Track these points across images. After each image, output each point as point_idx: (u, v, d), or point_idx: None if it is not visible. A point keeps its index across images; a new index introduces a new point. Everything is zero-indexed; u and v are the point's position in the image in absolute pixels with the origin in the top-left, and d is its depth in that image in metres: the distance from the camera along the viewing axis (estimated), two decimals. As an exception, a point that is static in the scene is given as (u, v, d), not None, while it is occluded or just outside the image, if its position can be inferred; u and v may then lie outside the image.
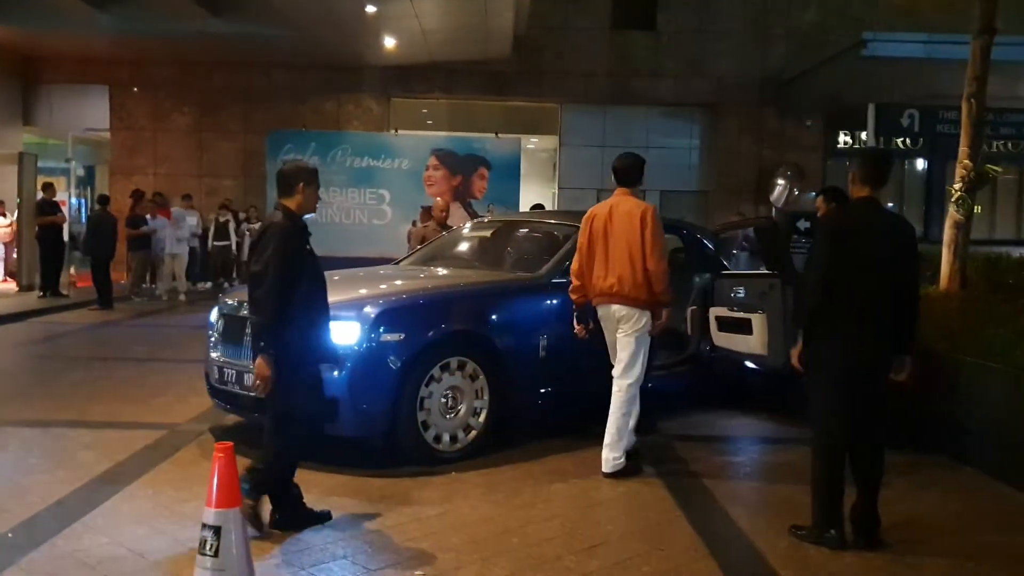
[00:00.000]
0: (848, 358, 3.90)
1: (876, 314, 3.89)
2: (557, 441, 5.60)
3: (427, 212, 10.51)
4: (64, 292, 13.58)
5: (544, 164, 20.22)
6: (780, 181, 17.87)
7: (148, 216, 14.12)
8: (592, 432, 5.26)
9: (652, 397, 5.30)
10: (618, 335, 5.00)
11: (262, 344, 3.85)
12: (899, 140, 17.55)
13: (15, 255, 15.20)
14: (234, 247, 16.28)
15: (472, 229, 7.79)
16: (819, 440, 3.99)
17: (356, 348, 4.86)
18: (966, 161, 7.00)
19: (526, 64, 18.06)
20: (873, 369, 3.93)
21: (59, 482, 4.65)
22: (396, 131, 18.37)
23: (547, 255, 6.30)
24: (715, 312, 6.42)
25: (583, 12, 18.30)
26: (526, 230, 7.36)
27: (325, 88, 18.35)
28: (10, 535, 3.92)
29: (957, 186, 7.04)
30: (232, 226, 16.18)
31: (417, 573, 3.61)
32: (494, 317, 5.51)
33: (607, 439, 4.93)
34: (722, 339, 6.38)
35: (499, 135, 17.45)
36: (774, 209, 17.53)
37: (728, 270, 7.14)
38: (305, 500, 4.10)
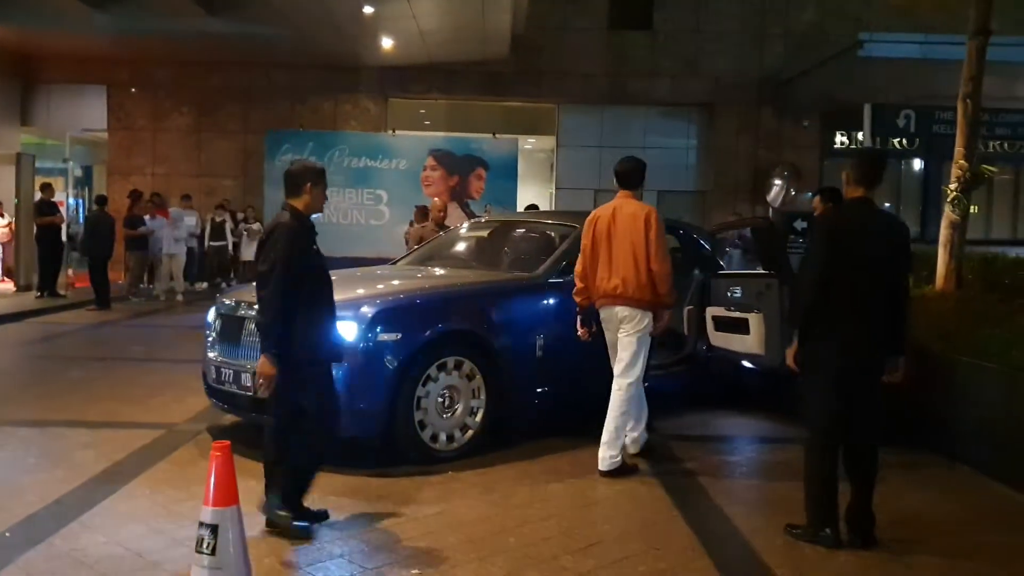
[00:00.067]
0: (843, 358, 3.92)
1: (870, 314, 3.90)
2: (554, 441, 5.61)
3: (421, 211, 10.50)
4: (62, 292, 13.57)
5: (541, 164, 20.23)
6: (777, 181, 17.89)
7: (147, 216, 14.11)
8: (589, 432, 5.27)
9: (649, 397, 5.32)
10: (620, 335, 5.04)
11: (264, 344, 3.86)
12: (895, 140, 17.62)
13: (13, 255, 15.18)
14: (231, 247, 16.29)
15: (469, 229, 7.81)
16: (813, 439, 4.01)
17: (353, 348, 4.87)
18: (962, 161, 7.03)
19: (523, 64, 18.07)
20: (867, 368, 3.94)
21: (57, 481, 4.66)
22: (394, 131, 18.38)
23: (544, 255, 6.32)
24: (712, 312, 6.44)
25: (580, 12, 18.32)
26: (523, 230, 7.37)
27: (323, 88, 18.35)
28: (8, 534, 3.92)
29: (953, 186, 7.07)
30: (229, 226, 16.18)
31: (414, 572, 3.62)
32: (491, 317, 5.52)
33: (604, 437, 4.95)
34: (719, 339, 6.40)
35: (496, 135, 17.46)
36: (771, 209, 17.55)
37: (724, 270, 7.16)
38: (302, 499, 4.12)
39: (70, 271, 14.53)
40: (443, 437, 5.19)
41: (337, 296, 4.16)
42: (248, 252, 16.14)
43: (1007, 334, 5.36)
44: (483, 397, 5.34)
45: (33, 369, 8.55)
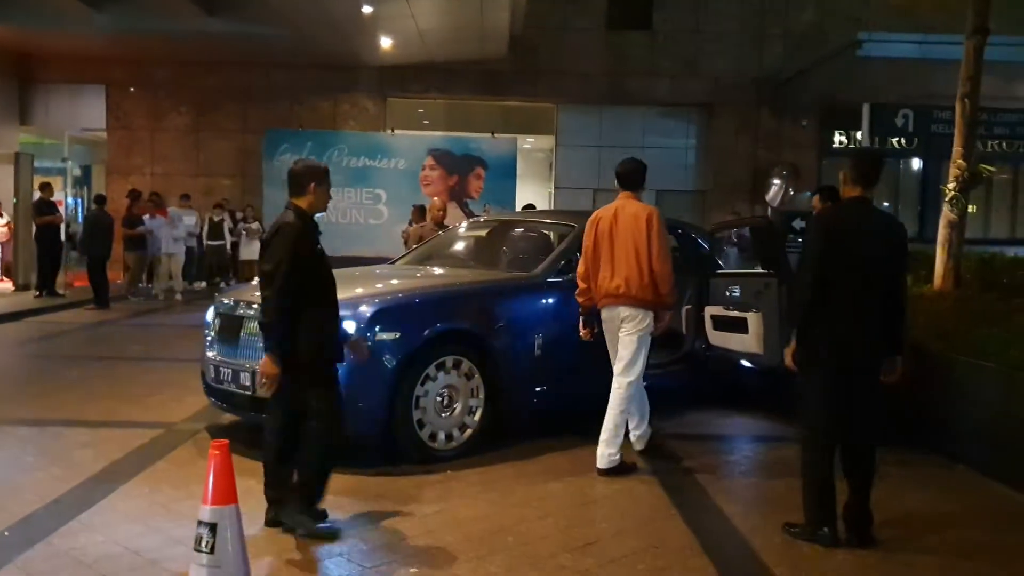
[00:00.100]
0: (840, 357, 3.93)
1: (868, 313, 3.91)
2: (552, 440, 5.62)
3: (419, 211, 10.49)
4: (60, 292, 13.57)
5: (540, 164, 20.24)
6: (776, 181, 17.90)
7: (147, 216, 14.11)
8: (587, 431, 5.28)
9: (648, 396, 5.33)
10: (620, 334, 5.07)
11: (268, 344, 3.86)
12: (894, 140, 17.63)
13: (12, 254, 15.17)
14: (229, 246, 16.29)
15: (468, 229, 7.81)
16: (811, 438, 4.02)
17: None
18: (960, 161, 7.04)
19: (522, 64, 18.07)
20: (865, 368, 3.95)
21: (55, 480, 4.66)
22: (392, 131, 18.38)
23: (543, 254, 6.32)
24: (710, 311, 6.44)
25: (579, 12, 18.31)
26: (522, 229, 7.37)
27: (322, 88, 18.35)
28: (6, 533, 3.93)
29: (951, 186, 7.08)
30: (227, 225, 16.18)
31: (413, 571, 3.63)
32: (490, 316, 5.52)
33: (603, 435, 4.97)
34: (717, 338, 6.39)
35: (495, 135, 17.46)
36: (770, 208, 17.56)
37: (723, 269, 7.15)
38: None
39: (67, 272, 14.52)
40: (442, 436, 5.19)
41: (336, 295, 4.16)
42: (247, 251, 16.15)
43: (1005, 333, 5.36)
44: (482, 396, 5.35)
45: (32, 368, 8.55)
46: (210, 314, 5.73)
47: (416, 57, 17.17)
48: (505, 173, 16.75)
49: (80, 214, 19.34)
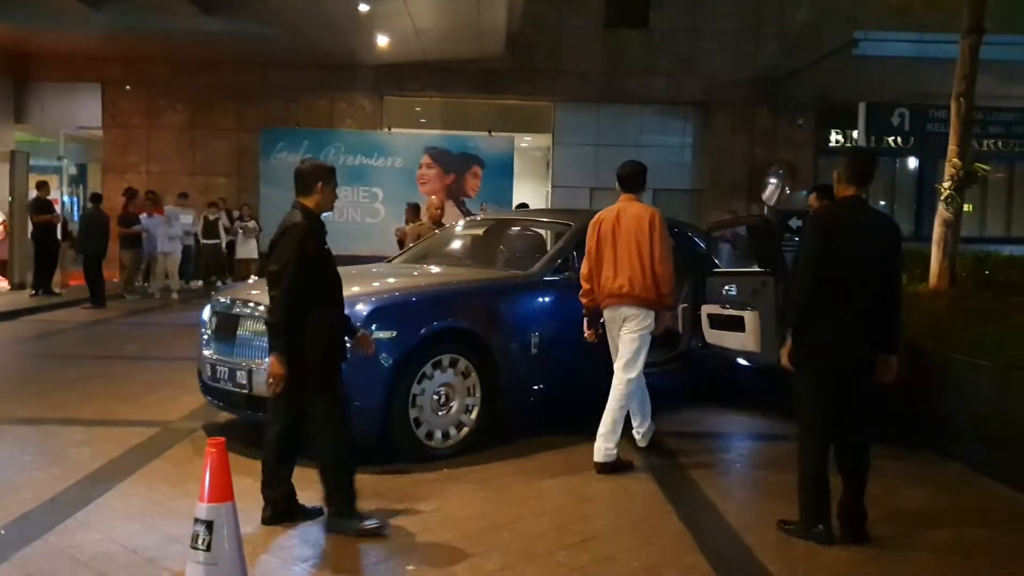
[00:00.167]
0: (835, 356, 3.94)
1: (863, 313, 3.92)
2: (549, 438, 5.63)
3: (413, 209, 10.48)
4: (56, 290, 13.55)
5: (537, 162, 20.24)
6: (772, 179, 17.93)
7: (144, 215, 14.10)
8: (584, 429, 5.30)
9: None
10: (622, 333, 5.12)
11: (275, 344, 3.86)
12: (890, 139, 17.62)
13: (8, 253, 15.14)
14: (224, 245, 16.27)
15: (465, 227, 7.81)
16: (806, 436, 4.03)
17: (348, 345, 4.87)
18: (955, 160, 7.06)
19: (519, 62, 18.07)
20: (860, 368, 3.96)
21: (52, 479, 4.66)
22: (389, 129, 18.37)
23: (539, 253, 6.34)
24: (707, 310, 6.46)
25: (576, 11, 18.31)
26: (518, 228, 7.39)
27: (318, 86, 18.33)
28: (3, 532, 3.93)
29: (946, 184, 7.09)
30: (223, 224, 16.17)
31: (410, 568, 3.64)
32: (487, 315, 5.53)
33: (602, 429, 5.00)
34: (714, 336, 6.41)
35: (492, 133, 17.47)
36: (766, 207, 17.59)
37: (719, 268, 7.17)
38: (298, 496, 4.13)
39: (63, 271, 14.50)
40: (438, 435, 5.20)
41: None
42: (243, 250, 16.16)
43: (1000, 332, 5.39)
44: (478, 395, 5.36)
45: (28, 367, 8.54)
46: (206, 313, 5.73)
47: (413, 56, 17.16)
48: (502, 172, 16.76)
49: (76, 213, 19.32)
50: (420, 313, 5.28)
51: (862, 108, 14.98)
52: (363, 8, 13.98)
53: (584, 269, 5.29)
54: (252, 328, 5.17)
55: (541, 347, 5.68)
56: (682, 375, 6.76)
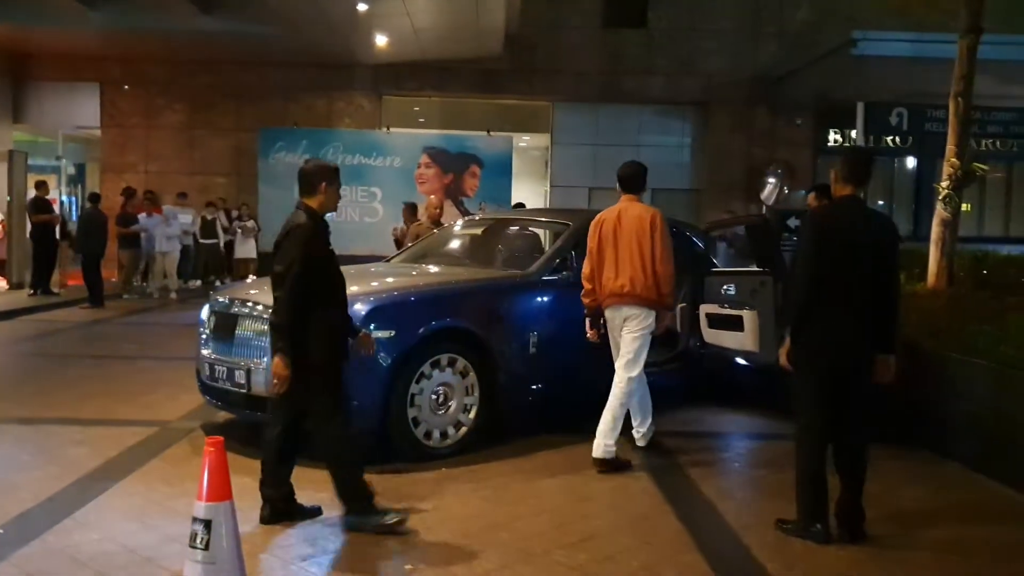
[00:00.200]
0: (833, 356, 3.94)
1: (861, 313, 3.93)
2: (547, 437, 5.64)
3: (410, 208, 10.46)
4: (55, 290, 13.54)
5: (536, 162, 20.24)
6: (771, 179, 17.93)
7: (143, 214, 14.09)
8: (582, 429, 5.30)
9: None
10: (623, 332, 5.15)
11: (279, 344, 3.85)
12: (888, 138, 17.66)
13: (6, 253, 15.12)
14: (223, 245, 16.26)
15: (463, 227, 7.81)
16: (804, 436, 4.04)
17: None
18: (953, 159, 7.06)
19: (518, 62, 18.07)
20: (858, 367, 3.96)
21: (50, 478, 4.66)
22: (388, 129, 18.37)
23: (537, 253, 6.34)
24: (705, 309, 6.46)
25: (575, 10, 18.31)
26: (517, 228, 7.39)
27: (316, 85, 18.32)
28: (1, 531, 3.93)
29: (944, 184, 7.10)
30: (220, 224, 16.17)
31: (408, 567, 3.64)
32: (485, 314, 5.53)
33: (602, 427, 5.02)
34: (712, 336, 6.42)
35: (491, 133, 17.46)
36: (765, 207, 17.60)
37: (717, 267, 7.17)
38: (296, 495, 4.13)
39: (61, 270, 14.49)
40: (437, 434, 5.21)
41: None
42: (242, 250, 16.15)
43: (997, 331, 5.39)
44: (477, 394, 5.36)
45: (26, 367, 8.53)
46: (205, 312, 5.73)
47: (411, 55, 17.16)
48: (501, 171, 16.75)
49: (74, 212, 19.31)
50: (418, 313, 5.28)
51: (860, 108, 15.01)
52: (362, 8, 13.98)
53: (586, 269, 5.31)
54: (250, 328, 5.17)
55: (539, 347, 5.68)
56: (681, 375, 6.76)
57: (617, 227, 5.15)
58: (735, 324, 6.10)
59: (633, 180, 5.29)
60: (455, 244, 7.39)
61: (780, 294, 5.61)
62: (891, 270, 4.05)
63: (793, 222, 13.03)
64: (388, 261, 7.31)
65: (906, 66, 14.68)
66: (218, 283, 15.32)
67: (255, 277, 13.88)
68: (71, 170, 20.68)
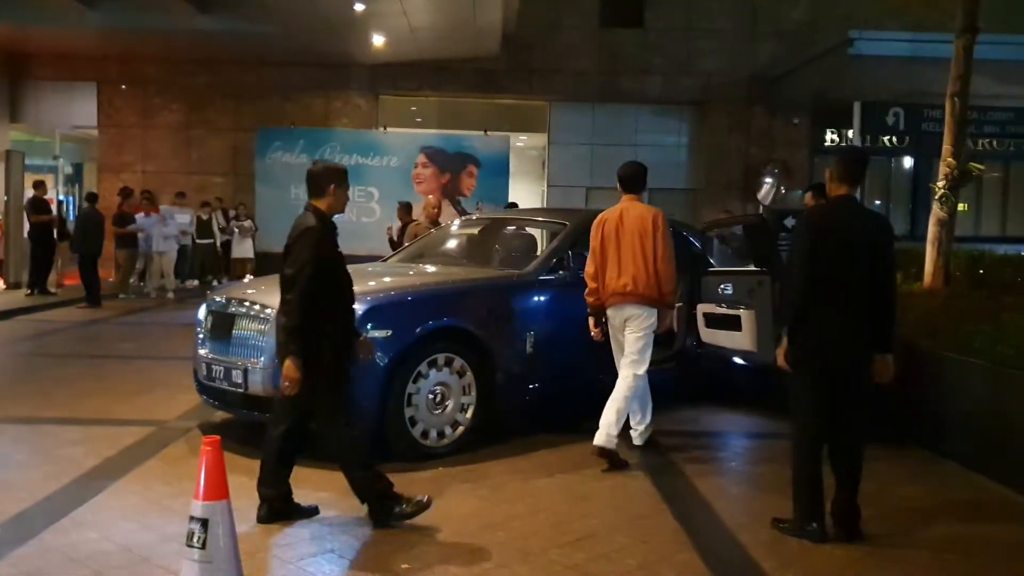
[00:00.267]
0: (830, 356, 3.95)
1: (857, 312, 3.93)
2: (544, 437, 5.64)
3: (405, 208, 10.45)
4: (52, 290, 13.53)
5: (533, 161, 20.25)
6: (768, 179, 17.96)
7: (140, 214, 14.08)
8: (579, 428, 5.31)
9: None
10: (626, 332, 5.18)
11: (292, 347, 3.84)
12: (885, 138, 17.68)
13: (3, 252, 15.10)
14: (219, 244, 16.25)
15: (460, 226, 7.82)
16: (800, 435, 4.04)
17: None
18: (950, 159, 7.07)
19: (515, 62, 18.08)
20: (855, 367, 3.97)
21: (47, 478, 4.66)
22: (385, 129, 18.36)
23: (535, 252, 6.33)
24: (703, 308, 6.47)
25: (572, 10, 18.33)
26: (514, 227, 7.39)
27: (314, 85, 18.33)
28: (-1, 531, 3.93)
29: (941, 184, 7.11)
30: (216, 224, 16.16)
31: (404, 567, 3.64)
32: (482, 314, 5.54)
33: (604, 419, 5.05)
34: (710, 335, 6.42)
35: (488, 133, 17.47)
36: (762, 206, 17.61)
37: (714, 267, 7.18)
38: (294, 495, 4.13)
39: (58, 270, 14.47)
40: (434, 433, 5.21)
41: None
42: (239, 249, 16.14)
43: (993, 330, 5.40)
44: (474, 394, 5.36)
45: (23, 366, 8.52)
46: (202, 312, 5.73)
47: (408, 55, 17.16)
48: (498, 171, 16.76)
49: (72, 212, 19.28)
50: (415, 312, 5.29)
51: (857, 107, 15.02)
52: (359, 7, 13.99)
53: (590, 268, 5.33)
54: (248, 327, 5.18)
55: (537, 346, 5.69)
56: (678, 374, 6.77)
57: (619, 227, 5.18)
58: (733, 324, 6.11)
59: (634, 180, 5.33)
60: (452, 244, 7.39)
61: (777, 294, 5.62)
62: (888, 269, 4.05)
63: (790, 222, 13.00)
64: (385, 261, 7.31)
65: (903, 66, 14.72)
66: (216, 283, 15.31)
67: (252, 277, 13.87)
68: (68, 170, 20.64)
